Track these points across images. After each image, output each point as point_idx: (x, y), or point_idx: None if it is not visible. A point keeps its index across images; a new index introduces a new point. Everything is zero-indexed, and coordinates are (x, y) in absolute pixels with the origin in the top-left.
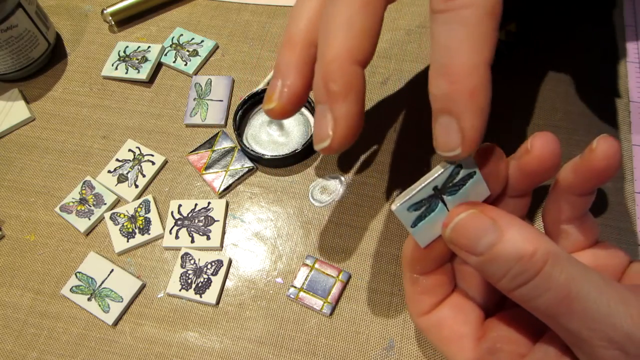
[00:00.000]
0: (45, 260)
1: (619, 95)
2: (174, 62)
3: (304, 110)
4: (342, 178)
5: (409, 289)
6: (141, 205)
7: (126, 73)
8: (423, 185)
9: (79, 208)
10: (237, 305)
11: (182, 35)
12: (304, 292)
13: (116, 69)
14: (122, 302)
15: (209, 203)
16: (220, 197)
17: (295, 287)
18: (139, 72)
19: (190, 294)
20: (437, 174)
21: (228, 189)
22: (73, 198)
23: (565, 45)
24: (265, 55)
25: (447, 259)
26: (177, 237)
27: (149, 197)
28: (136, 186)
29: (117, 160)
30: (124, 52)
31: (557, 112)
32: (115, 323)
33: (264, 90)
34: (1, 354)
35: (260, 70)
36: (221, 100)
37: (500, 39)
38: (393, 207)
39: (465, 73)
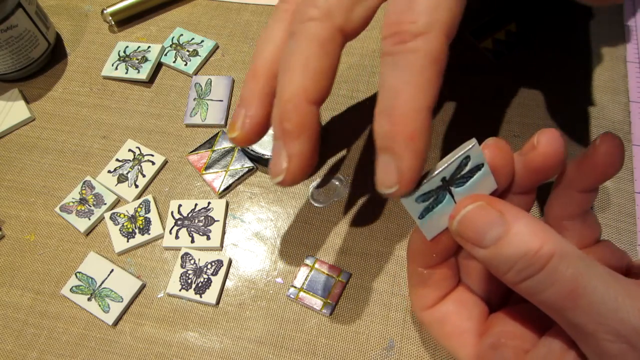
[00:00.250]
0: (45, 260)
1: (619, 95)
2: (174, 62)
3: None
4: (342, 178)
5: (412, 283)
6: (141, 205)
7: (126, 73)
8: (432, 176)
9: (79, 208)
10: (237, 305)
11: (182, 35)
12: (304, 292)
13: (116, 69)
14: (122, 302)
15: (209, 203)
16: (220, 197)
17: (295, 287)
18: (139, 72)
19: (190, 294)
20: (445, 164)
21: (228, 189)
22: (73, 198)
23: (565, 45)
24: None
25: (452, 253)
26: (177, 237)
27: (149, 197)
28: (136, 186)
29: (117, 160)
30: (124, 52)
31: (557, 112)
32: (115, 323)
33: None
34: (1, 354)
35: None
36: (221, 100)
37: (500, 39)
38: (401, 197)
39: (406, 116)
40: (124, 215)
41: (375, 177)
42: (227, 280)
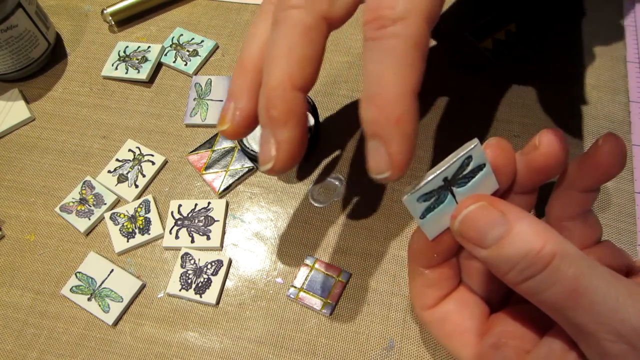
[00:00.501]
0: (45, 260)
1: (619, 95)
2: (174, 62)
3: None
4: (342, 178)
5: (414, 282)
6: (141, 205)
7: (126, 73)
8: (433, 175)
9: (79, 208)
10: (237, 305)
11: (182, 35)
12: (304, 292)
13: (116, 69)
14: (122, 302)
15: (209, 203)
16: (220, 197)
17: (295, 287)
18: (139, 72)
19: (190, 294)
20: (447, 164)
21: (228, 189)
22: (73, 198)
23: (565, 45)
24: None
25: (453, 253)
26: (177, 237)
27: (149, 197)
28: (136, 186)
29: (117, 160)
30: (124, 52)
31: (557, 112)
32: (115, 323)
33: None
34: (1, 354)
35: None
36: (221, 100)
37: (500, 39)
38: (403, 197)
39: (391, 101)
40: (124, 215)
41: (367, 164)
42: (227, 280)
